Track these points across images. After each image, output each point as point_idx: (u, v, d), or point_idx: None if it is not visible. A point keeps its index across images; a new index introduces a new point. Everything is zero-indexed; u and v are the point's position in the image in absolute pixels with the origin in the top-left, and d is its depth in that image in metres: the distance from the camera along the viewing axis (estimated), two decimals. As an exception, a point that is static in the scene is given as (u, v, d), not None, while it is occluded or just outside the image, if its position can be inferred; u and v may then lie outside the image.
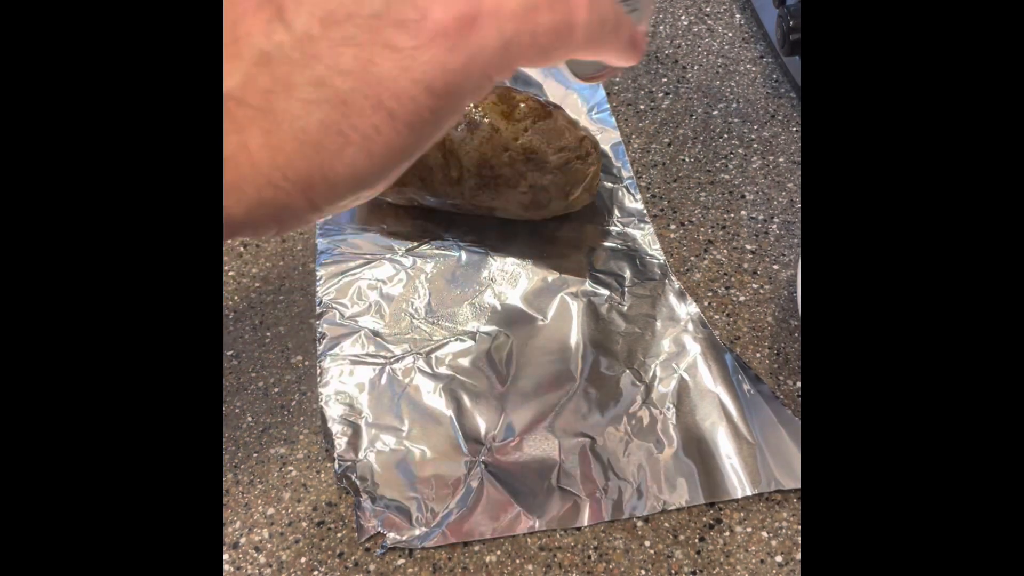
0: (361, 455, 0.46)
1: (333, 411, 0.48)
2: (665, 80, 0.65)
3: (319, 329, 0.51)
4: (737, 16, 0.70)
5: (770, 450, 0.45)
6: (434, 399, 0.48)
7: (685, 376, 0.48)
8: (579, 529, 0.43)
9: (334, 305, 0.52)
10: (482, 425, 0.46)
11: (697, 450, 0.45)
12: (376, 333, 0.51)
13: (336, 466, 0.45)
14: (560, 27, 0.28)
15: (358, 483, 0.45)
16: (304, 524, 0.44)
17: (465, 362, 0.49)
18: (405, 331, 0.51)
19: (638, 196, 0.57)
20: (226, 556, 0.43)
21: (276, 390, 0.49)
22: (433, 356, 0.50)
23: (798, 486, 0.43)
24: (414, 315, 0.52)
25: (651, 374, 0.48)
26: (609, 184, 0.58)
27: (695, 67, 0.66)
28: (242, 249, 0.56)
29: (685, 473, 0.44)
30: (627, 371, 0.48)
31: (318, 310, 0.52)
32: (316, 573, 0.42)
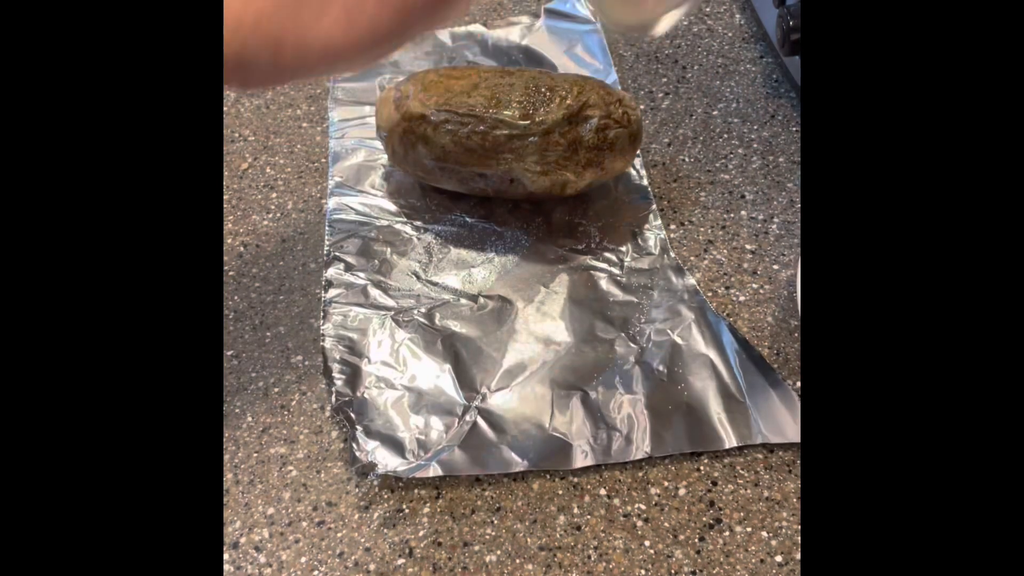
0: (359, 393, 0.48)
1: (334, 353, 0.49)
2: (665, 80, 0.65)
3: (325, 276, 0.53)
4: (737, 16, 0.70)
5: (759, 410, 0.46)
6: (433, 350, 0.49)
7: (678, 339, 0.49)
8: (579, 529, 0.43)
9: (342, 257, 0.54)
10: (478, 375, 0.48)
11: (687, 405, 0.46)
12: (380, 286, 0.53)
13: (333, 399, 0.47)
14: None
15: (354, 416, 0.46)
16: (304, 524, 0.44)
17: (466, 321, 0.51)
18: (409, 288, 0.53)
19: (643, 171, 0.58)
20: (226, 556, 0.43)
21: (276, 390, 0.49)
22: (435, 312, 0.51)
23: (784, 440, 0.44)
24: (418, 275, 0.53)
25: (645, 337, 0.49)
26: None
27: (695, 67, 0.66)
28: (242, 249, 0.56)
29: (674, 425, 0.45)
30: (622, 334, 0.50)
31: (325, 259, 0.54)
32: (316, 573, 0.42)
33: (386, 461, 0.44)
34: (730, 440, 0.45)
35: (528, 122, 0.51)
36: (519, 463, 0.44)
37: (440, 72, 0.54)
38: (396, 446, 0.45)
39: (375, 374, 0.48)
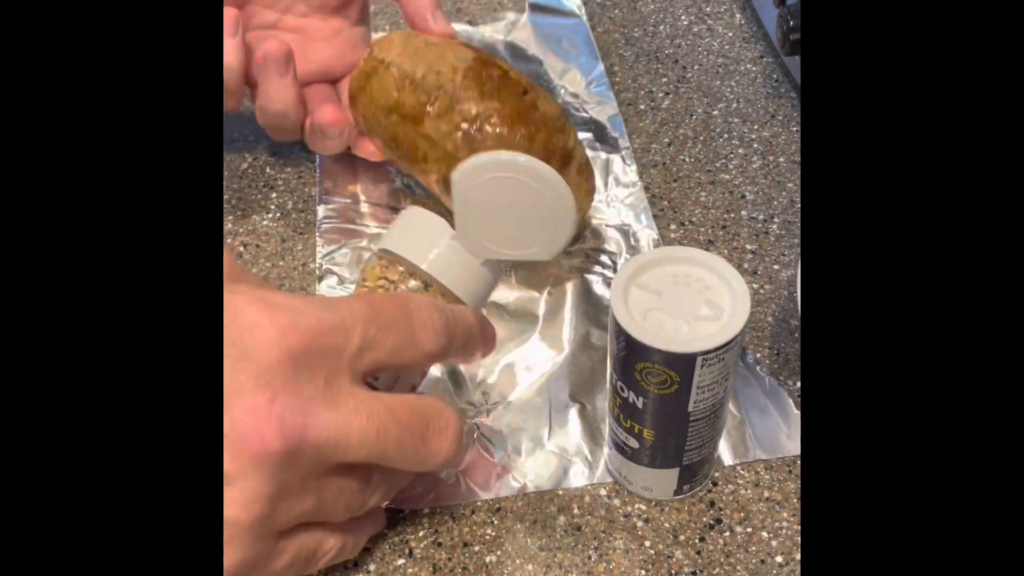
0: None
1: None
2: (665, 80, 0.65)
3: (318, 290, 0.52)
4: (737, 16, 0.70)
5: (754, 423, 0.46)
6: None
7: None
8: (579, 529, 0.43)
9: (334, 270, 0.53)
10: (474, 389, 0.48)
11: None
12: None
13: None
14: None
15: None
16: (304, 524, 0.44)
17: None
18: None
19: (633, 167, 0.58)
20: (226, 556, 0.43)
21: (276, 390, 0.49)
22: None
23: (778, 455, 0.44)
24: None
25: None
26: (604, 155, 0.59)
27: (695, 67, 0.66)
28: (242, 249, 0.56)
29: None
30: None
31: (317, 273, 0.53)
32: (316, 573, 0.42)
33: None
34: (725, 456, 0.45)
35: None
36: (519, 483, 0.44)
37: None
38: None
39: None
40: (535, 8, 0.70)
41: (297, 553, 0.35)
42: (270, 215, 0.58)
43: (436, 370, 0.49)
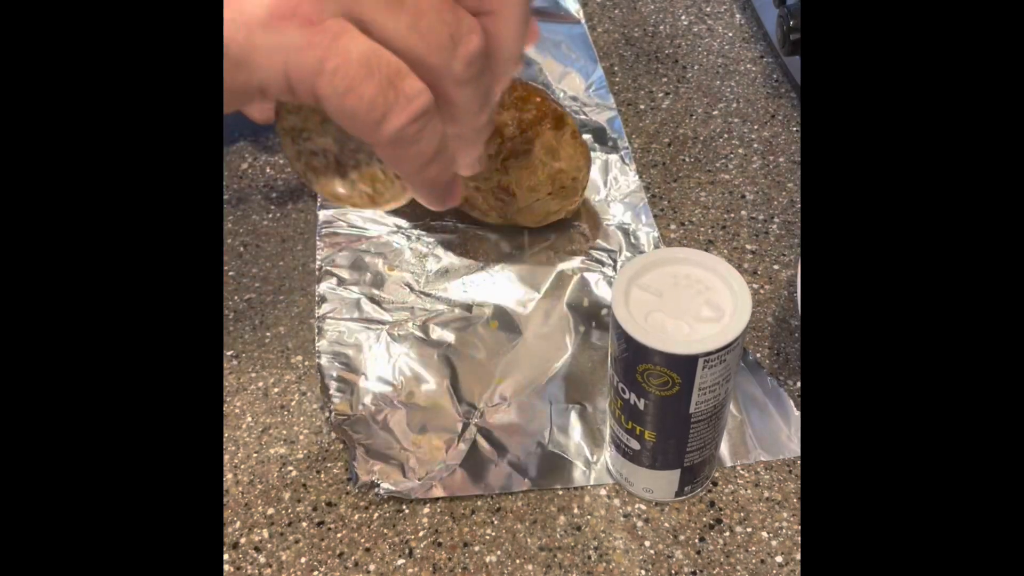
0: (357, 411, 0.47)
1: (330, 369, 0.49)
2: (665, 80, 0.65)
3: (317, 291, 0.52)
4: (737, 16, 0.70)
5: (754, 424, 0.46)
6: (429, 364, 0.49)
7: None
8: (579, 529, 0.43)
9: (334, 272, 0.53)
10: (475, 390, 0.48)
11: None
12: (374, 300, 0.52)
13: (332, 418, 0.47)
14: (368, 115, 0.27)
15: (353, 435, 0.46)
16: (304, 524, 0.44)
17: (460, 331, 0.50)
18: (403, 300, 0.52)
19: (632, 167, 0.58)
20: (226, 556, 0.43)
21: (276, 390, 0.49)
22: (429, 324, 0.51)
23: (779, 457, 0.45)
24: (412, 286, 0.53)
25: None
26: (604, 155, 0.59)
27: (695, 67, 0.66)
28: (242, 249, 0.56)
29: None
30: None
31: (317, 274, 0.53)
32: (316, 573, 0.42)
33: (388, 481, 0.44)
34: (725, 457, 0.45)
35: None
36: (520, 482, 0.44)
37: None
38: (397, 465, 0.45)
39: (373, 391, 0.48)
40: (534, 13, 0.70)
41: (366, 54, 0.26)
42: (270, 215, 0.58)
43: (436, 371, 0.49)
